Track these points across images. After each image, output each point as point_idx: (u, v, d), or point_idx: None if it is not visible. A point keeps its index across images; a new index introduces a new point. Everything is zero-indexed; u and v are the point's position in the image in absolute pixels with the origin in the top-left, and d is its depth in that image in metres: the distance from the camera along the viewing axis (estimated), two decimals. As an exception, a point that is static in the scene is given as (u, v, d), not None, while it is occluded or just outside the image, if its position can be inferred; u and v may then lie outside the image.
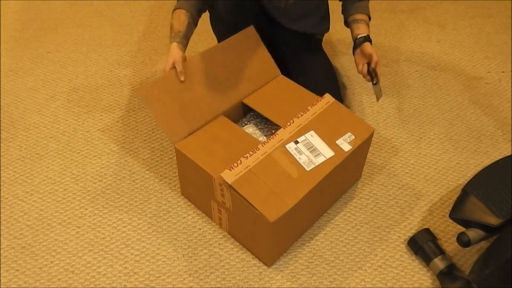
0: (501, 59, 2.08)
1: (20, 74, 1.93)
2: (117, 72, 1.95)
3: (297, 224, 1.35)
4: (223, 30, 1.59)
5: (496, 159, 1.52)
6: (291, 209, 1.21)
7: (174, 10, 1.49)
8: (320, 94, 1.49)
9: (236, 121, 1.50)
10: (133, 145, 1.66)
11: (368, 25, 1.56)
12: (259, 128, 1.49)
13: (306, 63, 1.67)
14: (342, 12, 1.62)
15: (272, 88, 1.52)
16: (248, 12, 1.57)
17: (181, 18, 1.46)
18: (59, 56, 2.02)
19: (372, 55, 1.49)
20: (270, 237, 1.26)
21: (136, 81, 1.91)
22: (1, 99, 1.81)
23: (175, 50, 1.40)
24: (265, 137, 1.47)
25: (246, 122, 1.52)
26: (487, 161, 1.62)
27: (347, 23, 1.60)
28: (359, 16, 1.56)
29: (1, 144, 1.65)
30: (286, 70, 1.62)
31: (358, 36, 1.52)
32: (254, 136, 1.46)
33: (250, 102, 1.48)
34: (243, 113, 1.53)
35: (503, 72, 2.01)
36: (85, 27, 2.18)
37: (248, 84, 1.51)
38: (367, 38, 1.51)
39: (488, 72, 2.01)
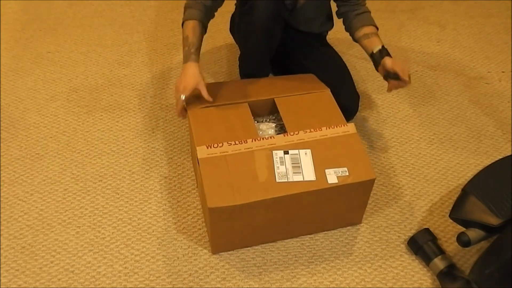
0: (501, 59, 2.08)
1: (20, 74, 1.93)
2: (117, 72, 1.95)
3: (249, 227, 1.32)
4: (256, 37, 1.54)
5: (496, 159, 1.52)
6: (235, 207, 1.21)
7: (187, 20, 1.47)
8: (336, 86, 1.51)
9: (261, 115, 1.51)
10: (133, 145, 1.66)
11: (378, 36, 1.51)
12: (273, 128, 1.49)
13: (319, 58, 1.68)
14: (346, 29, 1.59)
15: (309, 98, 1.49)
16: (281, 17, 1.53)
17: (196, 30, 1.45)
18: (59, 56, 2.02)
19: (397, 71, 1.40)
20: (209, 223, 1.29)
21: (136, 81, 1.91)
22: (1, 99, 1.81)
23: (196, 72, 1.39)
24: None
25: (267, 119, 1.51)
26: (487, 161, 1.61)
27: (356, 39, 1.56)
28: (368, 30, 1.51)
29: (1, 144, 1.65)
30: (303, 68, 1.65)
31: (374, 51, 1.47)
32: (263, 133, 1.46)
33: (279, 101, 1.47)
34: (273, 111, 1.52)
35: (503, 72, 2.01)
36: (85, 27, 2.18)
37: (287, 89, 1.52)
38: (383, 51, 1.46)
39: (488, 72, 2.01)
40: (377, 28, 1.54)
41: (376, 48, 1.47)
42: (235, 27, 1.72)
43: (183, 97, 1.40)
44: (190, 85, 1.39)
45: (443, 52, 2.11)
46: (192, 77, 1.40)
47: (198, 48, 1.44)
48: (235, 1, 1.67)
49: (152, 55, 2.04)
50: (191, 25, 1.46)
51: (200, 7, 1.47)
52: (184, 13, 1.50)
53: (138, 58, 2.02)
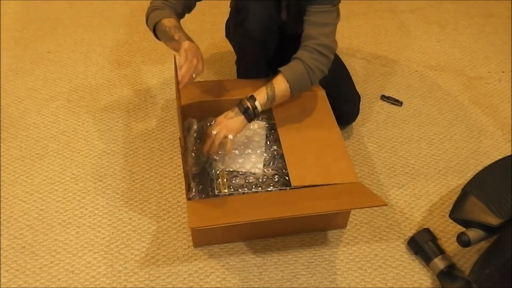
0: (501, 59, 2.08)
1: (20, 74, 1.93)
2: (117, 72, 1.95)
3: (230, 228, 1.33)
4: (251, 47, 1.53)
5: (496, 159, 1.53)
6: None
7: (158, 22, 1.34)
8: (336, 88, 1.50)
9: None
10: (133, 145, 1.66)
11: (267, 90, 1.34)
12: (264, 128, 1.49)
13: None
14: None
15: (303, 97, 1.48)
16: (275, 26, 1.52)
17: (171, 20, 1.34)
18: (59, 56, 2.02)
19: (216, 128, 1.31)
20: (191, 233, 1.36)
21: (136, 81, 1.91)
22: (1, 99, 1.81)
23: (192, 45, 1.28)
24: (262, 137, 1.47)
25: (259, 118, 1.52)
26: (487, 161, 1.62)
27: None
28: (276, 77, 1.36)
29: (1, 144, 1.65)
30: None
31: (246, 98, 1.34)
32: (253, 131, 1.47)
33: None
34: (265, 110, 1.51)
35: (503, 72, 2.01)
36: (85, 27, 2.18)
37: None
38: (240, 103, 1.33)
39: (488, 72, 2.01)
40: (291, 88, 1.36)
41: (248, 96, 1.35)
42: (230, 35, 1.71)
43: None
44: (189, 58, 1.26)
45: (443, 52, 2.11)
46: (188, 53, 1.27)
47: (180, 28, 1.33)
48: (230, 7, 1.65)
49: (152, 55, 2.04)
50: (165, 21, 1.33)
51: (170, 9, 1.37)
52: (149, 15, 1.38)
53: (138, 58, 2.02)
